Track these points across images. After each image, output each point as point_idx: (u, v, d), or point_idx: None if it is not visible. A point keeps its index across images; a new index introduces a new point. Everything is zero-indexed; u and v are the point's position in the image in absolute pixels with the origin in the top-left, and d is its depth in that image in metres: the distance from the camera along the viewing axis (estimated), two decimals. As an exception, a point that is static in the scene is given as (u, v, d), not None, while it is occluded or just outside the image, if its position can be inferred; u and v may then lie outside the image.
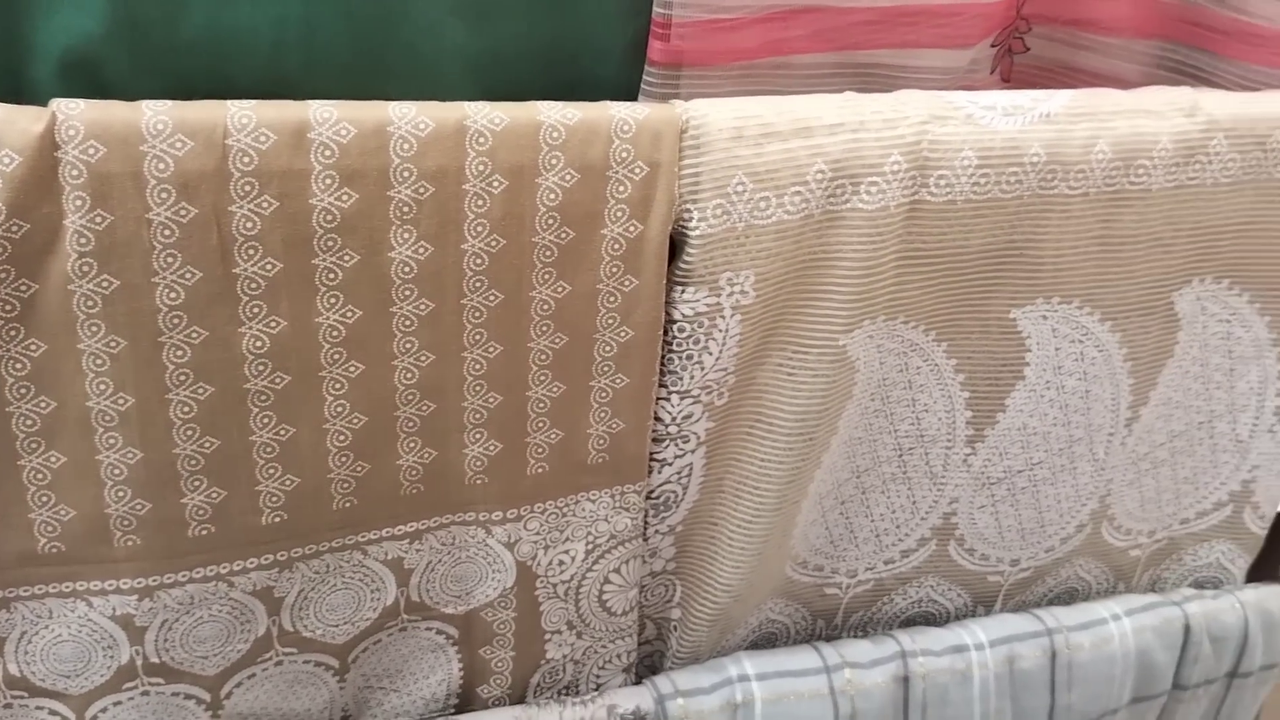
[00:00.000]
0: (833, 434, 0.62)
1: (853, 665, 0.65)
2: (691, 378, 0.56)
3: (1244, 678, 0.77)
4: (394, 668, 0.59)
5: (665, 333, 0.55)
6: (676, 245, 0.54)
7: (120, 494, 0.49)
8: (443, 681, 0.60)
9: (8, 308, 0.44)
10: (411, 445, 0.53)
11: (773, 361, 0.58)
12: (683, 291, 0.54)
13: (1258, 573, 0.80)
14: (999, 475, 0.68)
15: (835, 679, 0.65)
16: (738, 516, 0.61)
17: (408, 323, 0.50)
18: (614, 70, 0.54)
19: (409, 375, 0.51)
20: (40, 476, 0.48)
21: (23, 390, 0.46)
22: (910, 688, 0.66)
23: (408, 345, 0.51)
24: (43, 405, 0.46)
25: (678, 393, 0.57)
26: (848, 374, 0.60)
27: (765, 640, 0.70)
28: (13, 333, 0.45)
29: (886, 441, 0.64)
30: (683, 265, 0.54)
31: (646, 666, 0.67)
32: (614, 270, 0.53)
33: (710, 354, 0.56)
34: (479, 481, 0.55)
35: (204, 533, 0.51)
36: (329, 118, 0.45)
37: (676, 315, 0.55)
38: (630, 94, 0.55)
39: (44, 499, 0.48)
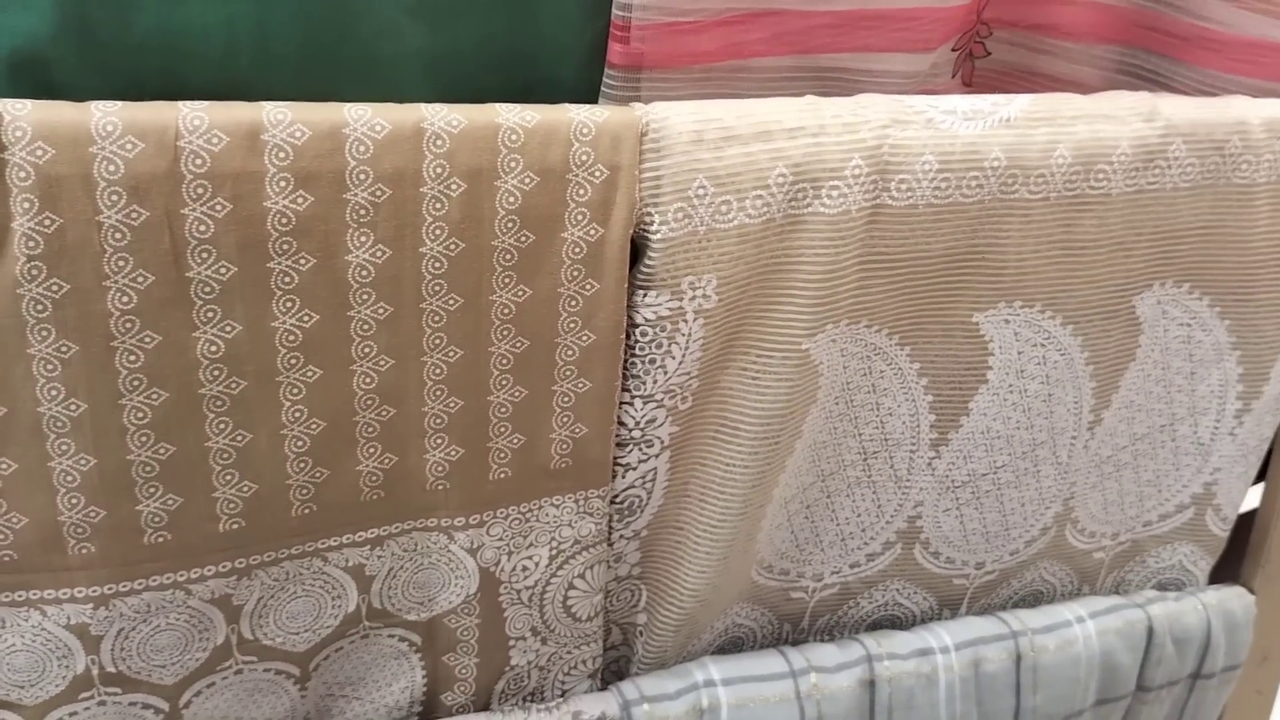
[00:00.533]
0: (796, 438, 0.62)
1: (819, 669, 0.65)
2: (655, 382, 0.56)
3: (1207, 679, 0.77)
4: (356, 675, 0.59)
5: (627, 337, 0.55)
6: (638, 249, 0.54)
7: (73, 501, 0.48)
8: (406, 689, 0.60)
9: (-45, 312, 0.44)
10: (371, 451, 0.53)
11: (736, 365, 0.58)
12: (644, 295, 0.54)
13: (1220, 574, 0.80)
14: (963, 479, 0.68)
15: (801, 683, 0.65)
16: (703, 521, 0.61)
17: (366, 327, 0.50)
18: (574, 72, 0.54)
19: (368, 380, 0.51)
20: (-9, 484, 0.47)
21: (-29, 396, 0.45)
22: (876, 691, 0.66)
23: (366, 350, 0.50)
24: (-7, 411, 0.46)
25: (641, 397, 0.57)
26: (811, 378, 0.60)
27: (732, 645, 0.69)
28: (-39, 338, 0.44)
29: (851, 445, 0.64)
30: (644, 269, 0.54)
31: (613, 672, 0.67)
32: (575, 274, 0.52)
33: (673, 358, 0.56)
34: (440, 487, 0.55)
35: (160, 540, 0.50)
36: (283, 119, 0.45)
37: (639, 319, 0.55)
38: (590, 96, 0.55)
39: (-5, 506, 0.47)
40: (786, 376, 0.58)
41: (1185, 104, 0.63)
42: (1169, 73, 0.69)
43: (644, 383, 0.56)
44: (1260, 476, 0.79)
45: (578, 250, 0.52)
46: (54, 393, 0.46)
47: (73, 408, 0.46)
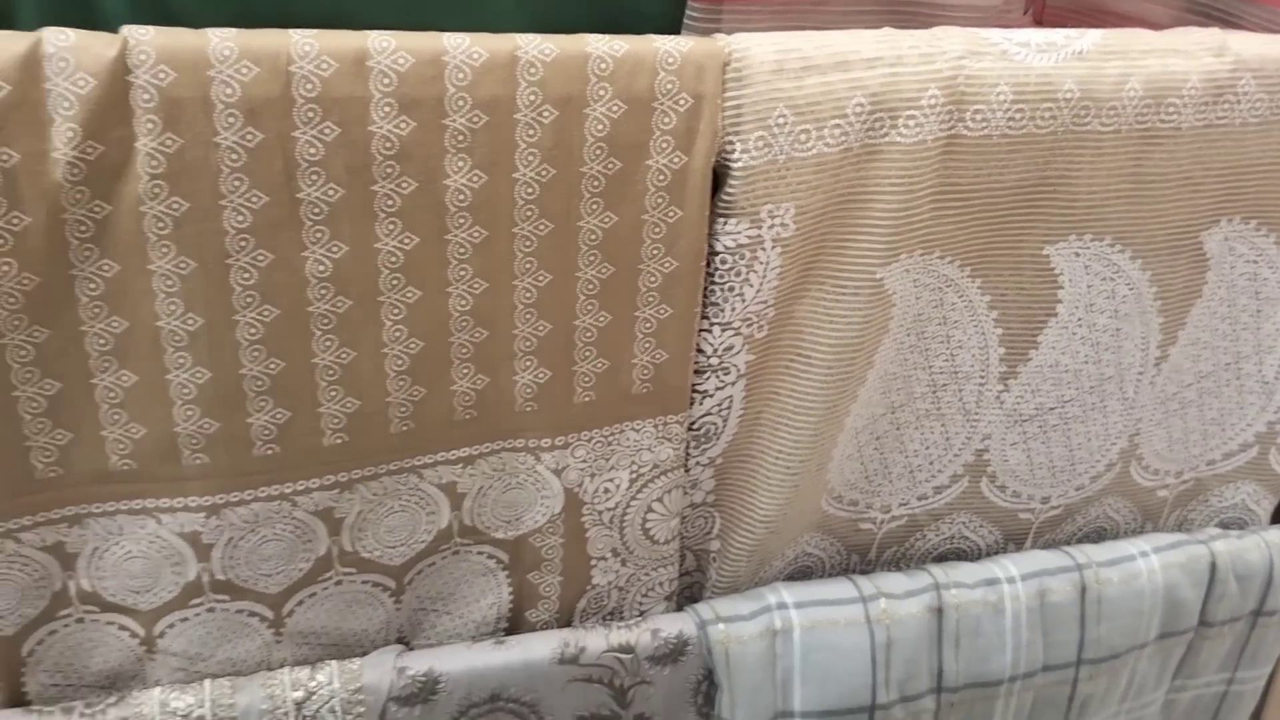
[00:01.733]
0: (869, 368, 0.63)
1: (888, 595, 0.67)
2: (733, 309, 0.58)
3: (1269, 616, 0.78)
4: (447, 591, 0.61)
5: (707, 264, 0.57)
6: (719, 177, 0.55)
7: (189, 413, 0.51)
8: (493, 605, 0.62)
9: (83, 229, 0.46)
10: (465, 371, 0.55)
11: (811, 295, 0.60)
12: (725, 223, 0.56)
13: (1284, 515, 0.81)
14: (1031, 412, 0.69)
15: (871, 608, 0.66)
16: (775, 449, 0.63)
17: (462, 250, 0.52)
18: (658, 6, 0.56)
19: (463, 302, 0.53)
20: (112, 395, 0.50)
21: (96, 310, 0.48)
22: (944, 618, 0.68)
23: (462, 272, 0.52)
24: (115, 325, 0.48)
25: (719, 324, 0.58)
26: (884, 308, 0.61)
27: (801, 573, 0.71)
28: (87, 253, 0.47)
29: (921, 377, 0.66)
30: (725, 197, 0.55)
31: (686, 597, 0.69)
32: (659, 201, 0.54)
33: (751, 286, 0.58)
34: (528, 409, 0.57)
35: (269, 452, 0.53)
36: (387, 46, 0.47)
37: (719, 247, 0.56)
38: (673, 30, 0.56)
39: (116, 417, 0.50)
40: (860, 306, 0.60)
41: (1254, 40, 0.64)
42: (1237, 11, 0.69)
43: (722, 310, 0.58)
44: (1324, 418, 0.80)
45: (662, 178, 0.54)
46: (173, 308, 0.48)
47: (190, 322, 0.49)
